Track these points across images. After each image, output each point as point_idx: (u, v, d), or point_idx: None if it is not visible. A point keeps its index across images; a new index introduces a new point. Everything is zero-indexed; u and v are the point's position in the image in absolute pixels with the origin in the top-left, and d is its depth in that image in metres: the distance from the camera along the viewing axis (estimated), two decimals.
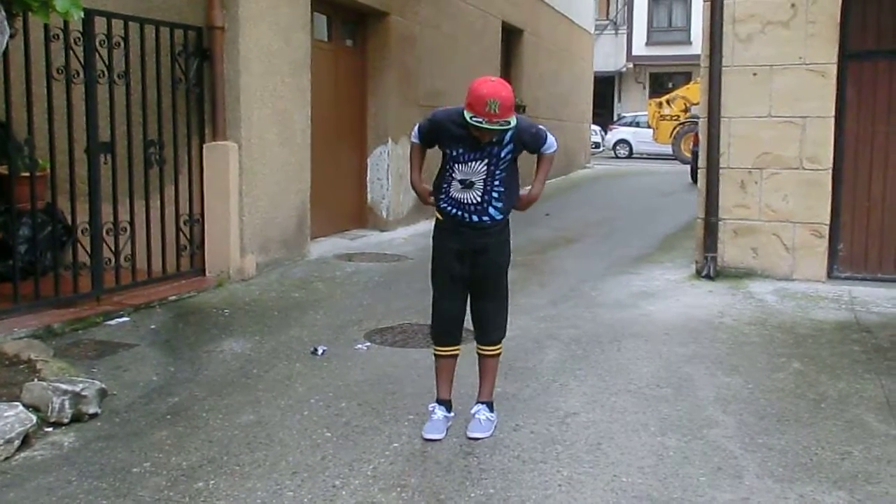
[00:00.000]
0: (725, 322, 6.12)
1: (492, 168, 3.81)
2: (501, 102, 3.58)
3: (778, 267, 7.51)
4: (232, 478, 3.56)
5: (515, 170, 3.95)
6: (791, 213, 7.44)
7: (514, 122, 3.70)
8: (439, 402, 4.09)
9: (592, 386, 4.73)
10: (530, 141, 3.89)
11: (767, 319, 6.18)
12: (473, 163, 3.81)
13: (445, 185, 3.90)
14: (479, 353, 4.11)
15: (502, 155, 3.80)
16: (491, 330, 4.05)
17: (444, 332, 4.04)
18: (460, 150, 3.81)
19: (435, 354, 4.11)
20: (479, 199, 3.85)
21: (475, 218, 3.87)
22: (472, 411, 4.05)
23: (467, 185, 3.84)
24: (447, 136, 3.84)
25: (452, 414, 4.09)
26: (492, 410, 4.08)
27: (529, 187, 4.00)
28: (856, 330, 5.91)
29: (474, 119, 3.62)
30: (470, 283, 3.98)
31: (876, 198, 7.34)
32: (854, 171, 7.39)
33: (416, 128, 4.08)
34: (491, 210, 3.87)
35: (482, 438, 3.94)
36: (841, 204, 7.41)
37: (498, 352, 4.11)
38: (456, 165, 3.84)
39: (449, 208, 3.90)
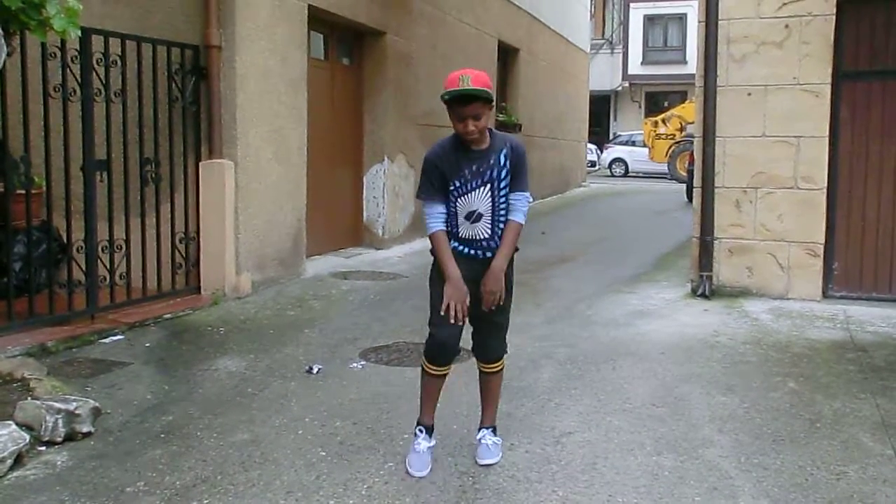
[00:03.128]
0: (721, 341, 6.12)
1: (495, 193, 3.72)
2: (473, 77, 3.55)
3: (773, 286, 7.53)
4: (226, 497, 3.54)
5: None
6: (786, 233, 7.47)
7: (489, 95, 3.58)
8: (422, 427, 3.89)
9: (587, 405, 4.72)
10: (518, 163, 3.75)
11: (763, 339, 6.18)
12: (476, 191, 3.71)
13: (454, 228, 3.77)
14: (481, 371, 4.02)
15: (502, 176, 3.72)
16: (495, 347, 3.95)
17: (438, 356, 3.84)
18: (459, 183, 3.71)
19: (425, 371, 3.89)
20: (489, 232, 3.75)
21: (489, 254, 3.76)
22: (478, 437, 3.96)
23: (475, 217, 3.73)
24: (444, 167, 3.70)
25: (434, 442, 3.92)
26: (495, 434, 4.00)
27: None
28: (851, 349, 5.91)
29: (446, 92, 3.56)
30: (476, 312, 3.82)
31: (870, 217, 7.38)
32: (848, 191, 7.43)
33: (424, 208, 3.83)
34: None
35: (494, 464, 3.87)
36: (836, 223, 7.45)
37: (501, 367, 4.01)
38: (458, 201, 3.73)
39: (461, 247, 3.77)
